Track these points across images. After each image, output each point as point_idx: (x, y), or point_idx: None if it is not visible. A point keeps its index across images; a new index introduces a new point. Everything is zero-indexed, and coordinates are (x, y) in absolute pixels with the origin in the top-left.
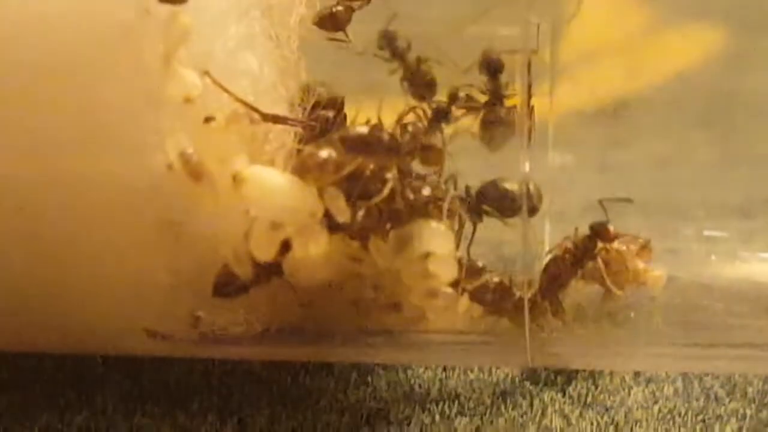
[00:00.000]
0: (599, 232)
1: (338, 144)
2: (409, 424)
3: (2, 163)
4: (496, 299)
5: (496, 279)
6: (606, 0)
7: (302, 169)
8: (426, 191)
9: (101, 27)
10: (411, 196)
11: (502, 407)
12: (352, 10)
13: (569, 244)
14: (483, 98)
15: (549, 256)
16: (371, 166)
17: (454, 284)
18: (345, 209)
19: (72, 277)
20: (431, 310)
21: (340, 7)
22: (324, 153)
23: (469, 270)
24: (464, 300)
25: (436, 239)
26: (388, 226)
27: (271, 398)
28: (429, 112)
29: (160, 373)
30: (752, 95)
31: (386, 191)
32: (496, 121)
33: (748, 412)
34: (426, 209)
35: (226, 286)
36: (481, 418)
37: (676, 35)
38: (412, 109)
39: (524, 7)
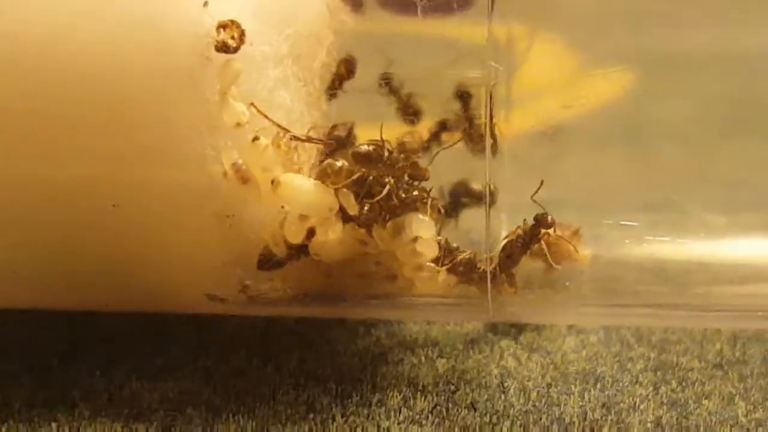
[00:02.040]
0: (541, 221)
1: (350, 157)
2: (402, 364)
3: (101, 170)
4: (466, 271)
5: (466, 256)
6: (547, 50)
7: (323, 175)
8: (414, 192)
9: (175, 70)
10: (403, 195)
11: (471, 351)
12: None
13: (520, 231)
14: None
15: (505, 240)
16: (374, 174)
17: (436, 260)
18: (354, 205)
19: (154, 255)
20: (419, 280)
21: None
22: (339, 163)
23: (446, 250)
24: (443, 272)
25: (422, 227)
26: (386, 217)
27: (301, 345)
28: (423, 136)
29: (217, 327)
30: (656, 121)
31: (385, 192)
32: (476, 136)
33: (652, 354)
34: (414, 205)
35: (267, 262)
36: (455, 360)
37: (599, 76)
38: (409, 133)
39: (487, 55)
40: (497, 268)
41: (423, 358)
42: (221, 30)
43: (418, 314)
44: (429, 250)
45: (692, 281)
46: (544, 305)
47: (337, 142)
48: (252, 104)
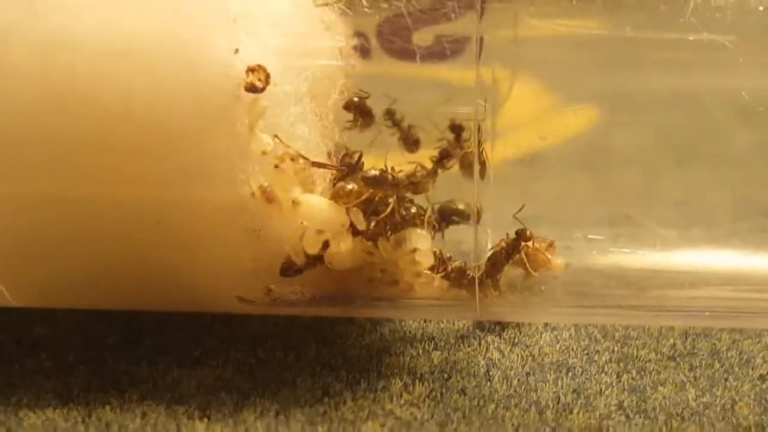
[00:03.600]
0: (521, 235)
1: (359, 181)
2: (403, 356)
3: (148, 192)
4: (457, 277)
5: (457, 265)
6: (525, 90)
7: (336, 196)
8: (413, 210)
9: (210, 107)
10: (404, 213)
11: (461, 345)
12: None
13: (503, 243)
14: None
15: (491, 251)
16: (380, 195)
17: (431, 268)
18: (363, 221)
19: (192, 265)
20: (417, 285)
21: (356, 98)
22: (350, 186)
23: (440, 259)
24: (437, 278)
25: (420, 240)
26: (390, 232)
27: (316, 339)
28: (427, 165)
29: (245, 324)
30: (617, 149)
31: (389, 210)
32: (467, 163)
33: (615, 348)
34: (413, 221)
35: (288, 269)
36: (448, 352)
37: (569, 112)
38: (417, 163)
39: (475, 94)
40: (484, 275)
41: (420, 351)
42: (250, 73)
43: (416, 314)
44: (426, 259)
45: (649, 286)
46: (524, 306)
47: (348, 168)
48: (276, 136)
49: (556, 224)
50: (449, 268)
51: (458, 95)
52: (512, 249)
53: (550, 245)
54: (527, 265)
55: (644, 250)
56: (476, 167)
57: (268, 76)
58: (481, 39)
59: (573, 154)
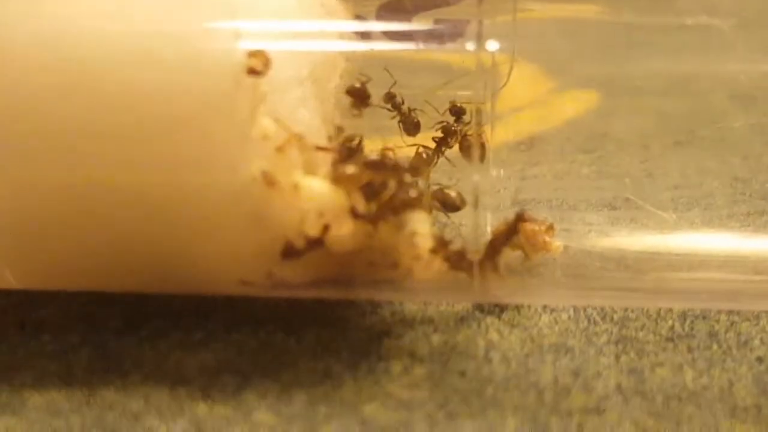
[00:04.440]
0: (520, 216)
1: (360, 164)
2: (403, 338)
3: (152, 177)
4: (457, 260)
5: (456, 248)
6: (526, 75)
7: (337, 179)
8: (413, 193)
9: (212, 92)
10: (404, 197)
11: (461, 327)
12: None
13: (503, 226)
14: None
15: (490, 234)
16: (381, 179)
17: (432, 251)
18: (364, 205)
19: (195, 248)
20: (417, 267)
21: (357, 84)
22: (351, 169)
23: (440, 242)
24: (437, 261)
25: (419, 223)
26: (390, 215)
27: (318, 322)
28: (430, 150)
29: (247, 307)
30: (615, 133)
31: (389, 193)
32: (468, 146)
33: (614, 330)
34: (413, 204)
35: (290, 252)
36: (448, 334)
37: (568, 96)
38: (423, 146)
39: (475, 77)
40: (483, 257)
41: (420, 333)
42: (250, 57)
43: (416, 296)
44: (425, 242)
45: (647, 268)
46: (523, 288)
47: (349, 151)
48: (277, 119)
49: (555, 207)
50: (449, 251)
51: (458, 79)
52: (511, 231)
53: (550, 227)
54: (526, 248)
55: (642, 233)
56: (476, 151)
57: (268, 61)
58: (481, 22)
59: (570, 137)
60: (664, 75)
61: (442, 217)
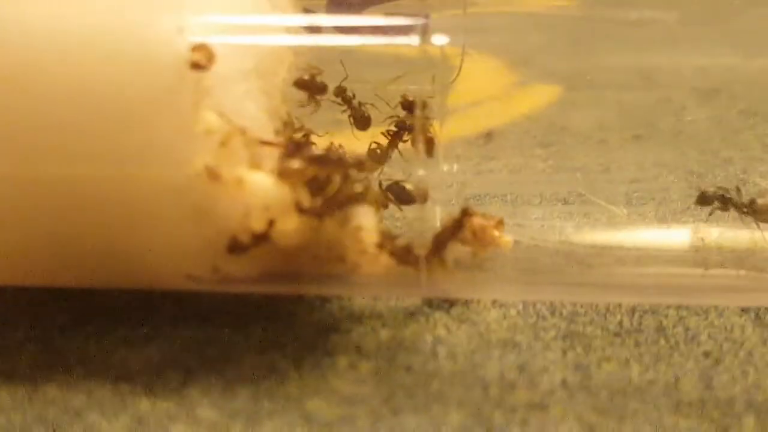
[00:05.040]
0: (465, 212)
1: (305, 159)
2: (350, 333)
3: (95, 170)
4: (403, 255)
5: (403, 242)
6: (486, 68)
7: (282, 174)
8: (359, 188)
9: (155, 87)
10: (349, 191)
11: (410, 323)
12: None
13: (449, 221)
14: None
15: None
16: (325, 173)
17: (377, 246)
18: (309, 200)
19: (140, 243)
20: (363, 262)
21: (306, 77)
22: (295, 164)
23: (386, 237)
24: (384, 256)
25: (365, 218)
26: (336, 209)
27: (264, 317)
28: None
29: (193, 302)
30: (574, 127)
31: (333, 188)
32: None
33: (562, 325)
34: (359, 199)
35: (235, 247)
36: (396, 329)
37: (528, 90)
38: (375, 143)
39: (422, 70)
40: (430, 252)
41: (368, 328)
42: (194, 51)
43: (364, 291)
44: (370, 237)
45: (597, 263)
46: (471, 283)
47: (296, 145)
48: (221, 113)
49: (508, 202)
50: (395, 246)
51: (408, 74)
52: (457, 226)
53: (499, 222)
54: (474, 244)
55: (593, 228)
56: (419, 145)
57: (212, 55)
58: (428, 15)
59: (528, 131)
60: (625, 69)
61: (395, 211)
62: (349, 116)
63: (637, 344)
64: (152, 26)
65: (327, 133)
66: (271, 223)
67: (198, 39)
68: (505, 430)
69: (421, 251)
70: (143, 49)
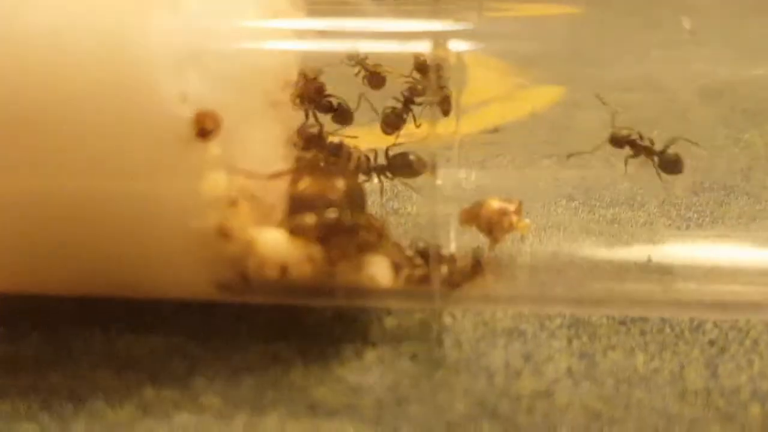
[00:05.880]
0: (478, 262)
1: (315, 218)
2: (356, 322)
3: (101, 229)
4: (419, 283)
5: (419, 274)
6: (494, 69)
7: (295, 230)
8: (371, 237)
9: (159, 153)
10: (362, 241)
11: (415, 311)
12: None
13: (465, 263)
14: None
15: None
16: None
17: (392, 284)
18: (321, 253)
19: (150, 282)
20: (380, 294)
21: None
22: (307, 220)
23: (401, 270)
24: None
25: (378, 267)
26: (349, 258)
27: (269, 307)
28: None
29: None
30: (578, 126)
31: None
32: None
33: (567, 313)
34: (372, 248)
35: (248, 287)
36: (401, 318)
37: (533, 90)
38: (392, 107)
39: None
40: (445, 287)
41: (373, 317)
42: (199, 119)
43: (375, 304)
44: (385, 281)
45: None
46: (484, 298)
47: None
48: (230, 169)
49: (514, 198)
50: (410, 277)
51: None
52: (475, 271)
53: (518, 206)
54: (493, 231)
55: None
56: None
57: (218, 121)
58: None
59: (534, 130)
60: (626, 70)
61: (401, 209)
62: (363, 77)
63: (642, 333)
64: (154, 94)
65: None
66: (284, 269)
67: (202, 99)
68: (511, 418)
69: (437, 283)
70: (147, 117)
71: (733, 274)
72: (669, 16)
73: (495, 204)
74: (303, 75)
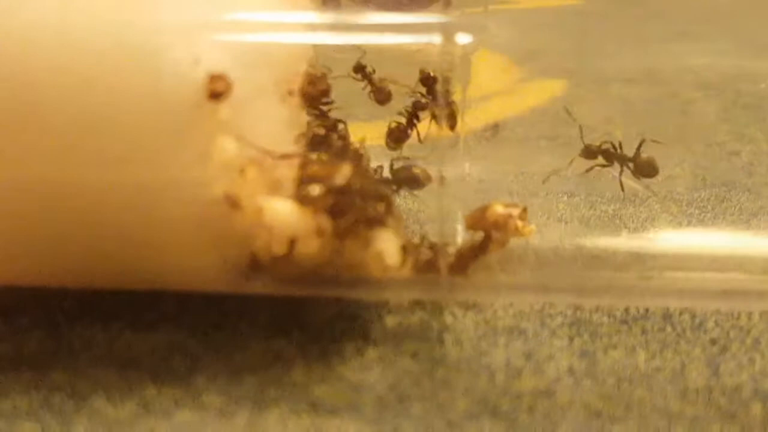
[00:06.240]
0: (488, 237)
1: (325, 187)
2: (357, 320)
3: (109, 200)
4: (426, 268)
5: (426, 257)
6: (496, 63)
7: (303, 200)
8: (380, 211)
9: (169, 117)
10: (371, 215)
11: (416, 309)
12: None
13: (472, 242)
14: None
15: (459, 248)
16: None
17: (400, 263)
18: (330, 225)
19: (161, 265)
20: (384, 279)
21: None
22: (315, 191)
23: (409, 251)
24: (406, 268)
25: (386, 242)
26: (357, 232)
27: (270, 304)
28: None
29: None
30: (580, 121)
31: (356, 213)
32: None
33: (569, 312)
34: (380, 222)
35: (255, 268)
36: (402, 316)
37: (536, 84)
38: (396, 122)
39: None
40: (453, 269)
41: (375, 315)
42: (211, 81)
43: (383, 294)
44: (393, 259)
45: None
46: (492, 288)
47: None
48: (239, 138)
49: (515, 194)
50: (417, 260)
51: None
52: (483, 246)
53: (523, 211)
54: (497, 233)
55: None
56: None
57: (230, 84)
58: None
59: (535, 123)
60: (632, 64)
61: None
62: (370, 92)
63: (643, 331)
64: (166, 57)
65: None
66: (292, 245)
67: (214, 65)
68: (512, 417)
69: (444, 266)
70: (158, 81)
71: (734, 263)
72: (671, 8)
73: (499, 209)
74: (308, 75)
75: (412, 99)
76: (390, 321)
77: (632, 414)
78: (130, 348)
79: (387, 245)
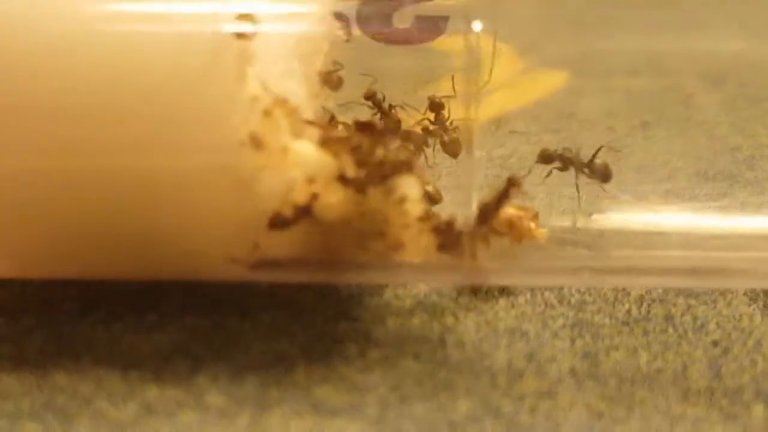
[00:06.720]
0: (511, 181)
1: (351, 126)
2: (359, 321)
3: (132, 147)
4: (446, 231)
5: (446, 218)
6: (499, 54)
7: (326, 142)
8: (404, 156)
9: (199, 54)
10: (394, 160)
11: (417, 311)
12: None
13: (493, 193)
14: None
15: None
16: (369, 141)
17: (421, 219)
18: (354, 168)
19: (181, 217)
20: (405, 238)
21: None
22: (340, 131)
23: (430, 212)
24: (426, 234)
25: (410, 188)
26: (380, 180)
27: (272, 305)
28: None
29: (201, 290)
30: (582, 113)
31: (379, 157)
32: (450, 142)
33: (570, 313)
34: (404, 168)
35: (277, 221)
36: (403, 318)
37: (538, 76)
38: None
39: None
40: (474, 227)
41: (376, 317)
42: (239, 20)
43: (401, 278)
44: (415, 208)
45: (609, 246)
46: (508, 270)
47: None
48: (264, 84)
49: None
50: (438, 221)
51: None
52: (504, 197)
53: (535, 215)
54: (509, 235)
55: (603, 212)
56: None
57: (257, 23)
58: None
59: (539, 117)
60: (634, 54)
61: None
62: (380, 119)
63: (645, 333)
64: None
65: None
66: (314, 196)
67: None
68: (514, 418)
69: (464, 227)
70: (187, 18)
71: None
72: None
73: (511, 210)
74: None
75: (421, 126)
76: (392, 322)
77: (634, 415)
78: (133, 349)
79: (411, 191)
